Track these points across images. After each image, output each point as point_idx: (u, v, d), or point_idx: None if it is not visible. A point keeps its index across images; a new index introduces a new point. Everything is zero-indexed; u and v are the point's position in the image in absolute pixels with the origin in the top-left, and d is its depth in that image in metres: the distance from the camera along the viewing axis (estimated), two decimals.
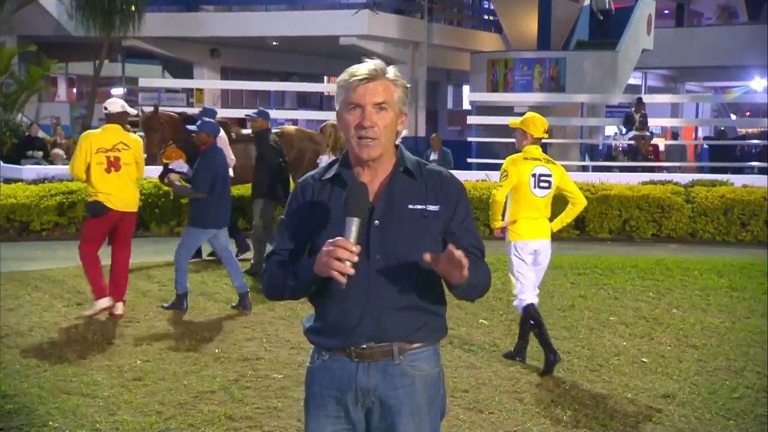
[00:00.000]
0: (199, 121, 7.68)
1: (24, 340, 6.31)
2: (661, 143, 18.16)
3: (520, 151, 5.84)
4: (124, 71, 24.96)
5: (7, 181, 12.50)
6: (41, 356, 5.91)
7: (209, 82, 22.97)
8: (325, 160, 8.16)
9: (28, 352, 6.00)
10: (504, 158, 6.11)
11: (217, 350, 6.11)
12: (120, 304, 7.14)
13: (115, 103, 7.19)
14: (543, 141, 6.01)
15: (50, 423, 4.65)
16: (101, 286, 7.01)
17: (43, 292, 7.94)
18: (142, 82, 19.53)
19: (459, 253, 2.23)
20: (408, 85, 2.49)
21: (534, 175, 5.74)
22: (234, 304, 7.48)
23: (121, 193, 6.97)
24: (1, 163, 14.21)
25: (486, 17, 28.38)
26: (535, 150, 5.74)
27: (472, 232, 2.52)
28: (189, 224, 7.57)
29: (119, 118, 7.11)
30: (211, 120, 7.87)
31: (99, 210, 6.96)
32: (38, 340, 6.32)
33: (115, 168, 6.93)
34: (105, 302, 6.97)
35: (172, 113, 10.13)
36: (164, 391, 5.21)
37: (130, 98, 24.43)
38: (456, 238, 2.45)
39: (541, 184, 5.76)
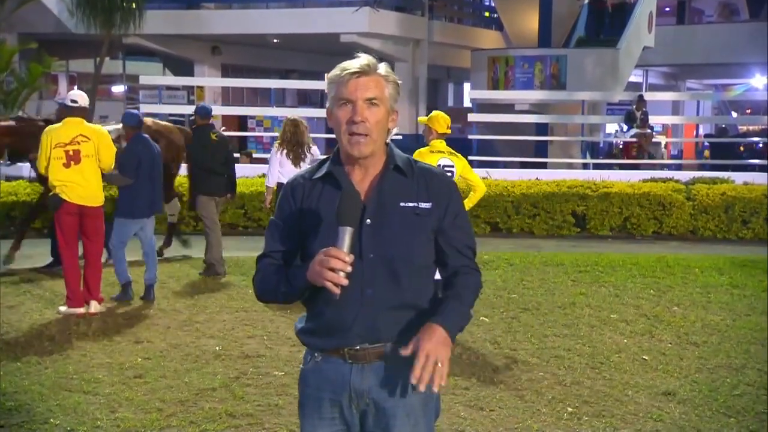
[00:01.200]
0: (122, 115, 7.96)
1: (25, 338, 6.32)
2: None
3: (428, 145, 6.34)
4: (125, 69, 24.90)
5: (8, 178, 12.50)
6: (42, 354, 5.92)
7: (210, 80, 22.93)
8: (273, 152, 8.44)
9: (28, 350, 6.01)
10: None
11: (217, 348, 6.12)
12: (94, 302, 7.14)
13: (84, 96, 7.27)
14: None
15: (51, 420, 4.66)
16: (78, 295, 7.07)
17: (44, 290, 7.95)
18: (143, 80, 19.49)
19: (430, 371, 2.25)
20: (399, 82, 2.47)
21: (438, 166, 6.14)
22: (142, 295, 7.63)
23: (78, 186, 6.97)
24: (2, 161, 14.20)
25: (487, 15, 28.35)
26: (440, 144, 6.26)
27: (464, 230, 2.50)
28: (117, 215, 7.62)
29: (82, 112, 7.15)
30: (134, 111, 8.09)
31: (55, 202, 7.00)
32: (39, 338, 6.33)
33: (74, 161, 6.95)
34: (77, 310, 7.04)
35: None
36: (165, 388, 5.22)
37: (131, 96, 24.47)
38: (448, 238, 2.45)
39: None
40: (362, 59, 2.40)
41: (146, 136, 7.91)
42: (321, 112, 19.23)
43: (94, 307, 7.12)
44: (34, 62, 18.50)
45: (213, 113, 9.52)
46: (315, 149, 8.60)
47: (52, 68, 19.76)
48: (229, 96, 24.86)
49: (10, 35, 20.38)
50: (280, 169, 8.29)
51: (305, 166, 8.10)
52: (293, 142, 8.32)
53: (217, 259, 8.89)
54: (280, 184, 8.25)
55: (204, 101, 23.15)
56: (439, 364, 2.25)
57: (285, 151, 8.31)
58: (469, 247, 2.50)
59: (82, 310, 7.05)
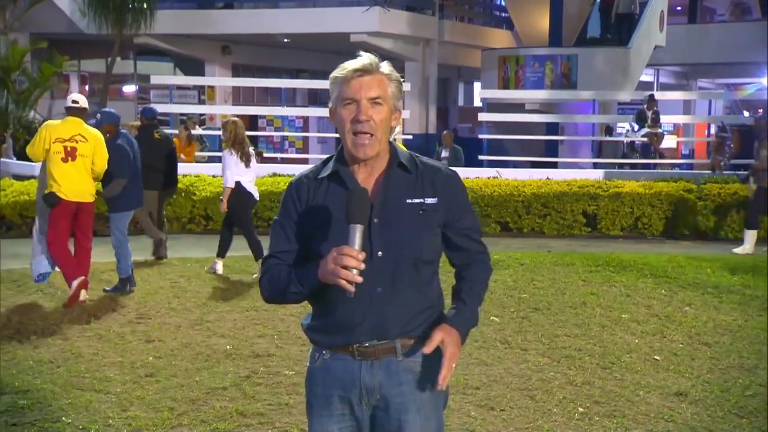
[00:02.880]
0: (98, 115, 8.27)
1: (37, 336, 6.35)
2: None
3: None
4: (136, 68, 25.00)
5: (20, 177, 12.55)
6: (54, 352, 5.94)
7: (220, 80, 22.99)
8: (226, 154, 8.55)
9: (40, 349, 6.03)
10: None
11: (228, 347, 6.13)
12: (83, 291, 7.37)
13: (83, 98, 7.63)
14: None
15: (63, 419, 4.68)
16: (73, 266, 7.38)
17: (56, 289, 7.96)
18: (154, 80, 19.54)
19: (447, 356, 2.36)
20: (402, 80, 2.48)
21: None
22: (110, 288, 7.89)
23: (74, 183, 7.27)
24: (15, 160, 14.28)
25: (497, 14, 28.32)
26: None
27: (471, 217, 2.54)
28: (113, 210, 8.04)
29: (81, 113, 7.48)
30: (111, 110, 8.44)
31: (52, 200, 7.25)
32: (51, 337, 6.35)
33: (71, 158, 7.26)
34: (78, 281, 7.31)
35: None
36: (176, 387, 5.23)
37: (142, 96, 24.55)
38: (457, 228, 2.48)
39: None
40: (364, 58, 2.41)
41: (125, 131, 8.34)
42: None
43: (83, 294, 7.41)
44: (45, 62, 18.58)
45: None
46: (251, 150, 8.87)
47: (63, 68, 19.85)
48: (239, 95, 24.92)
49: (22, 35, 20.49)
50: (235, 170, 8.54)
51: (253, 164, 8.61)
52: (240, 142, 8.54)
53: (156, 242, 9.56)
54: (236, 183, 8.55)
55: (215, 101, 23.28)
56: (454, 366, 2.38)
57: (238, 153, 8.51)
58: (477, 230, 2.55)
59: (82, 277, 7.36)
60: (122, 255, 7.86)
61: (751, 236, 10.93)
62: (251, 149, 8.77)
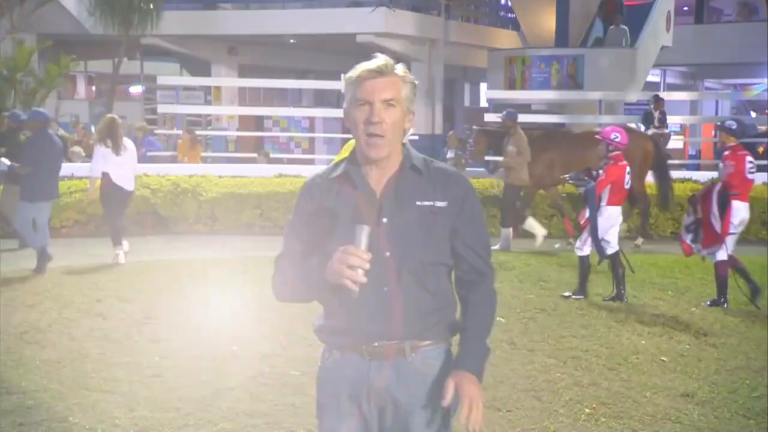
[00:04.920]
0: (30, 112, 9.42)
1: (44, 337, 6.36)
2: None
3: None
4: (143, 69, 25.00)
5: None
6: (61, 352, 5.96)
7: (227, 80, 22.99)
8: (96, 148, 9.31)
9: (47, 349, 6.04)
10: None
11: (234, 347, 6.13)
12: None
13: None
14: None
15: (70, 419, 4.69)
16: None
17: (62, 289, 7.99)
18: (161, 80, 19.51)
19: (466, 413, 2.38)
20: (416, 82, 2.48)
21: None
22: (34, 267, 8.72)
23: None
24: None
25: (503, 14, 28.27)
26: None
27: (480, 229, 2.52)
28: (21, 199, 8.94)
29: None
30: (41, 110, 9.38)
31: None
32: (58, 337, 6.37)
33: None
34: None
35: None
36: (182, 387, 5.24)
37: (149, 96, 24.58)
38: (463, 237, 2.46)
39: None
40: (379, 60, 2.42)
41: (51, 131, 9.16)
42: (337, 112, 19.26)
43: None
44: (52, 62, 18.61)
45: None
46: (129, 142, 9.59)
47: (70, 68, 19.88)
48: (245, 96, 24.91)
49: (29, 35, 20.52)
50: (104, 161, 9.18)
51: (127, 157, 9.28)
52: (110, 135, 9.16)
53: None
54: (104, 174, 9.22)
55: (221, 101, 23.29)
56: (481, 406, 2.37)
57: (106, 144, 9.14)
58: (485, 246, 2.52)
59: None
60: (24, 236, 8.91)
61: (505, 233, 10.84)
62: (129, 143, 9.43)
